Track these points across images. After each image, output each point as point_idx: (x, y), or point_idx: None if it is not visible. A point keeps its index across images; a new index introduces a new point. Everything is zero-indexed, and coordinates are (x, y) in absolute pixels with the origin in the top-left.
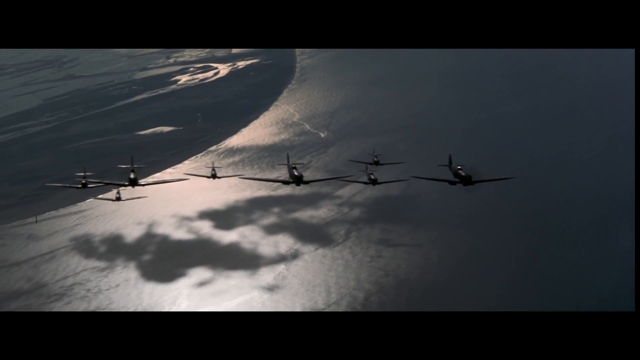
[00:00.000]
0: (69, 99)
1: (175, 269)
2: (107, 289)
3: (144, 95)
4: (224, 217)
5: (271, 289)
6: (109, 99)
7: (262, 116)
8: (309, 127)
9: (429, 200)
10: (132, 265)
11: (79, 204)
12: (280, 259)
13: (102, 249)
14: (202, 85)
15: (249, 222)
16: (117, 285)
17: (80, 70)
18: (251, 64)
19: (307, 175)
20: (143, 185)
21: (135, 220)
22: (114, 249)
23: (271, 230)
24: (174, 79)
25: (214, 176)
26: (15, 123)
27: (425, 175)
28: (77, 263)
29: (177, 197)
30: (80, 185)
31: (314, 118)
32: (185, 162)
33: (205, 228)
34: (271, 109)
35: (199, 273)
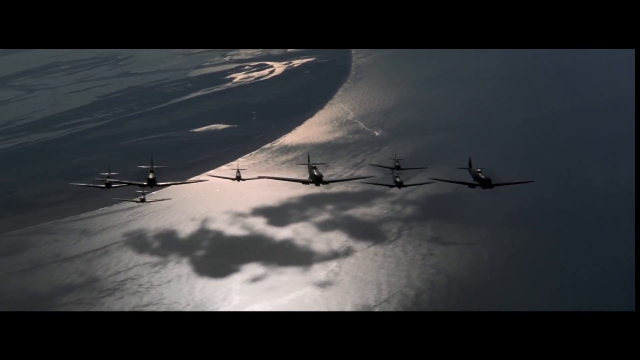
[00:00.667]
0: (123, 96)
1: (228, 264)
2: (159, 285)
3: (199, 93)
4: (277, 214)
5: (323, 285)
6: (163, 97)
7: (316, 114)
8: (363, 126)
9: (481, 198)
10: (185, 260)
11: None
12: (333, 255)
13: (156, 244)
14: (258, 84)
15: (302, 218)
16: (169, 281)
17: (135, 68)
18: (306, 62)
19: (360, 173)
20: (162, 186)
21: (189, 216)
22: (167, 244)
23: (324, 227)
24: (229, 77)
25: (238, 178)
26: (69, 119)
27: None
28: (129, 258)
29: (230, 194)
30: (104, 185)
31: (368, 117)
32: (240, 159)
33: (259, 224)
34: (326, 107)
35: (252, 269)
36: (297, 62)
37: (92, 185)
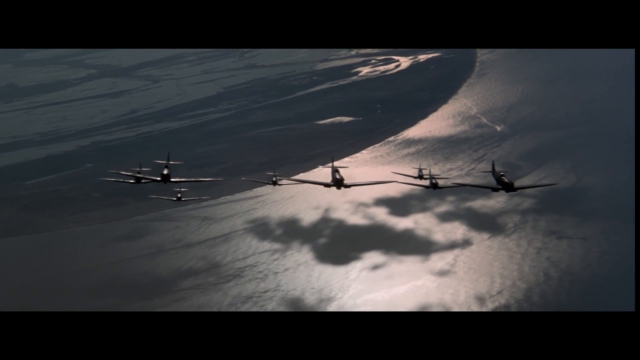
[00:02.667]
0: (248, 87)
1: (348, 253)
2: (278, 272)
3: (324, 86)
4: (399, 204)
5: (440, 275)
6: (289, 89)
7: (440, 109)
8: (485, 121)
9: (599, 193)
10: (305, 248)
11: (254, 189)
12: (451, 246)
13: (278, 232)
14: (383, 77)
15: (423, 209)
16: (288, 268)
17: (261, 60)
18: (432, 57)
19: (481, 167)
20: (175, 181)
21: (312, 205)
22: (289, 232)
23: (444, 218)
24: (355, 70)
25: (274, 183)
26: (194, 110)
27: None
28: (249, 245)
29: None
30: (133, 181)
31: (490, 112)
32: (363, 151)
33: (381, 214)
34: (449, 102)
35: (372, 257)
36: (422, 57)
37: (122, 180)
